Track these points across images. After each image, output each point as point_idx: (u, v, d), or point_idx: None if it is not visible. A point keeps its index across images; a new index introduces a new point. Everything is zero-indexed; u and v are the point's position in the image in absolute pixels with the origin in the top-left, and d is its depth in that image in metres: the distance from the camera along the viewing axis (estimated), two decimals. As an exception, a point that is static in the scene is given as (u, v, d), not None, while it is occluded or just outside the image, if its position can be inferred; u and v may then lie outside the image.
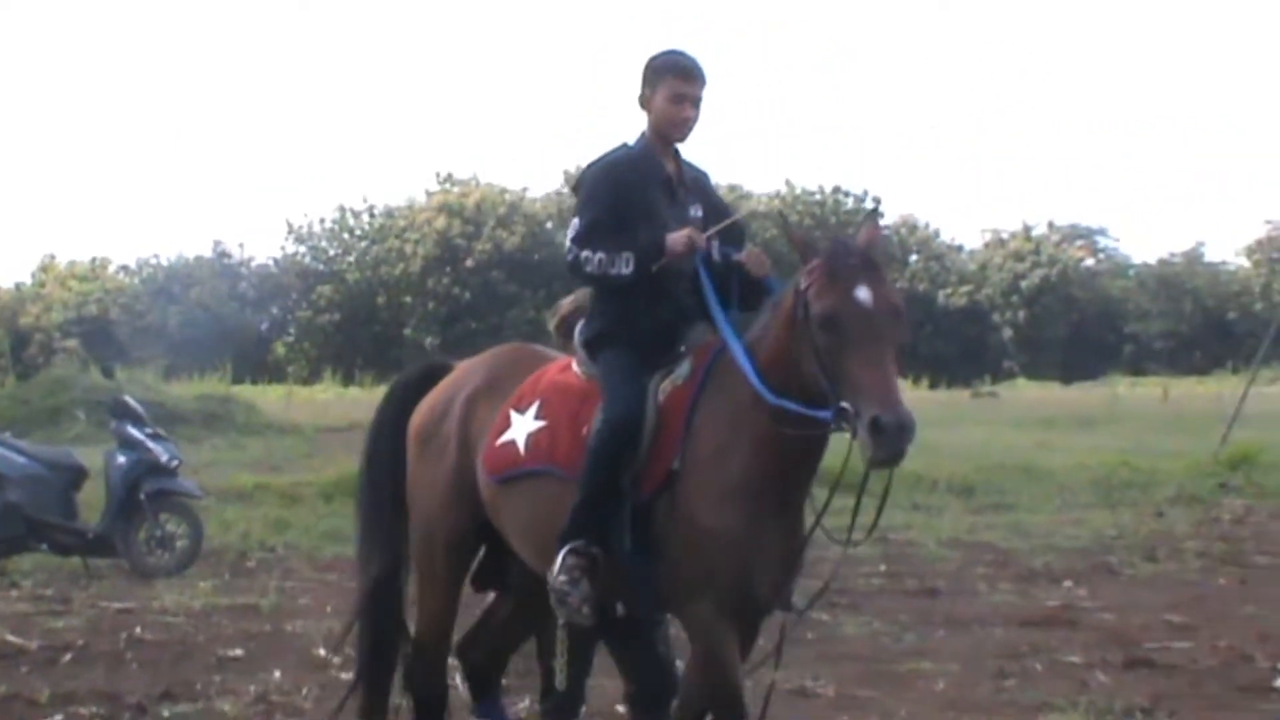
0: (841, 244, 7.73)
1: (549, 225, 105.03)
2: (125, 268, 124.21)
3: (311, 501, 24.62)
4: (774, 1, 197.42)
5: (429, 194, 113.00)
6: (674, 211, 8.33)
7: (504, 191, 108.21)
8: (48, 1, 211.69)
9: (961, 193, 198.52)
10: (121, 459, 18.69)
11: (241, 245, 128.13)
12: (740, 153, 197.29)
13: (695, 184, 8.59)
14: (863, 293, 7.46)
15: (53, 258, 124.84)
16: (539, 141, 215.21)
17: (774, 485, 8.04)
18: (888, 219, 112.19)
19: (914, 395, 66.90)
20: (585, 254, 8.30)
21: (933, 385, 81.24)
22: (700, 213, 8.40)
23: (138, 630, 14.76)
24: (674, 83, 8.36)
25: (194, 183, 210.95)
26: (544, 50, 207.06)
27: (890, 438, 7.14)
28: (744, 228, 8.93)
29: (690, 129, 8.43)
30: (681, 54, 8.53)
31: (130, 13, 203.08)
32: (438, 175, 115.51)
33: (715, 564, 7.93)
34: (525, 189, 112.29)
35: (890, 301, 7.49)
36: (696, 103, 8.36)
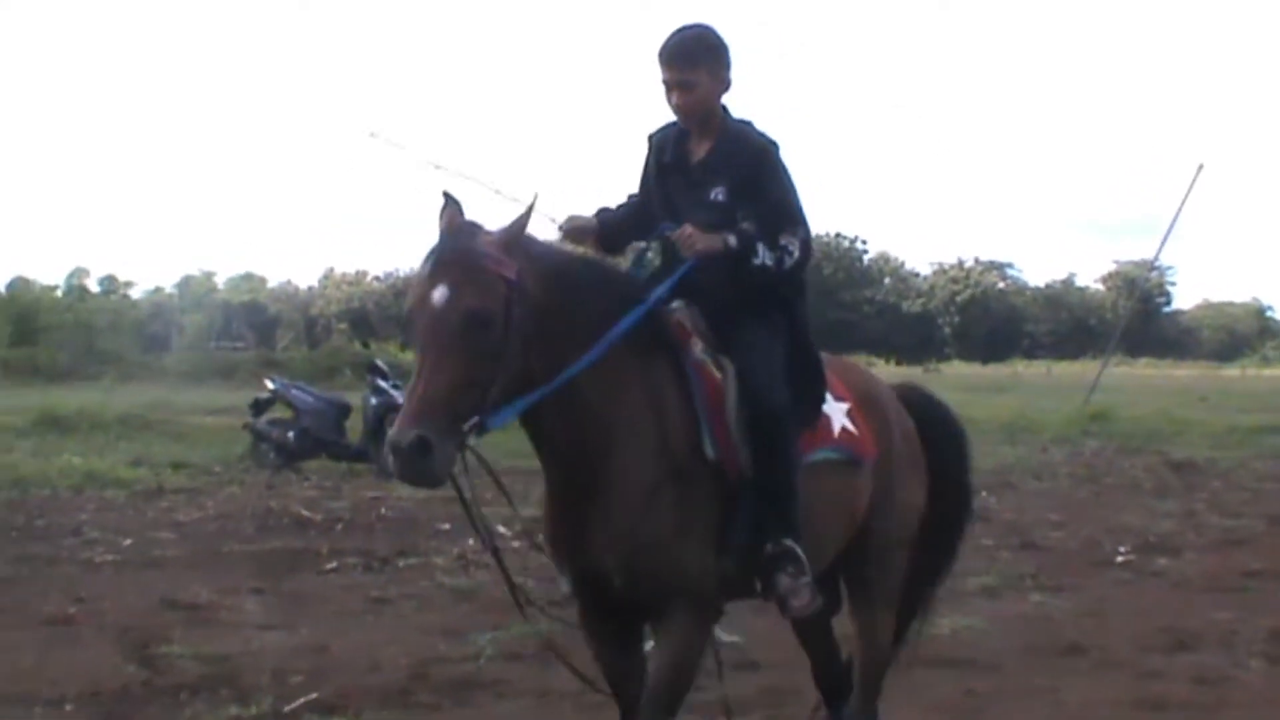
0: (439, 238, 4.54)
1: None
2: (378, 277, 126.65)
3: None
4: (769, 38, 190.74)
5: None
6: (691, 195, 5.22)
7: None
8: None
9: (918, 232, 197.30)
10: (374, 400, 19.09)
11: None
12: None
13: (728, 163, 5.17)
14: (418, 295, 4.41)
15: (331, 269, 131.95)
16: None
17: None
18: (870, 253, 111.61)
19: (885, 370, 67.01)
20: None
21: (898, 364, 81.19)
22: (724, 196, 5.12)
23: (383, 510, 15.07)
24: (661, 72, 5.23)
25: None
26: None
27: (391, 456, 4.24)
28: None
29: (686, 114, 5.21)
30: (669, 37, 5.26)
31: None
32: None
33: None
34: None
35: (438, 305, 4.33)
36: (680, 86, 5.14)
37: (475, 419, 4.32)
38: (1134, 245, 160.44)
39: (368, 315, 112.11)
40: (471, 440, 4.43)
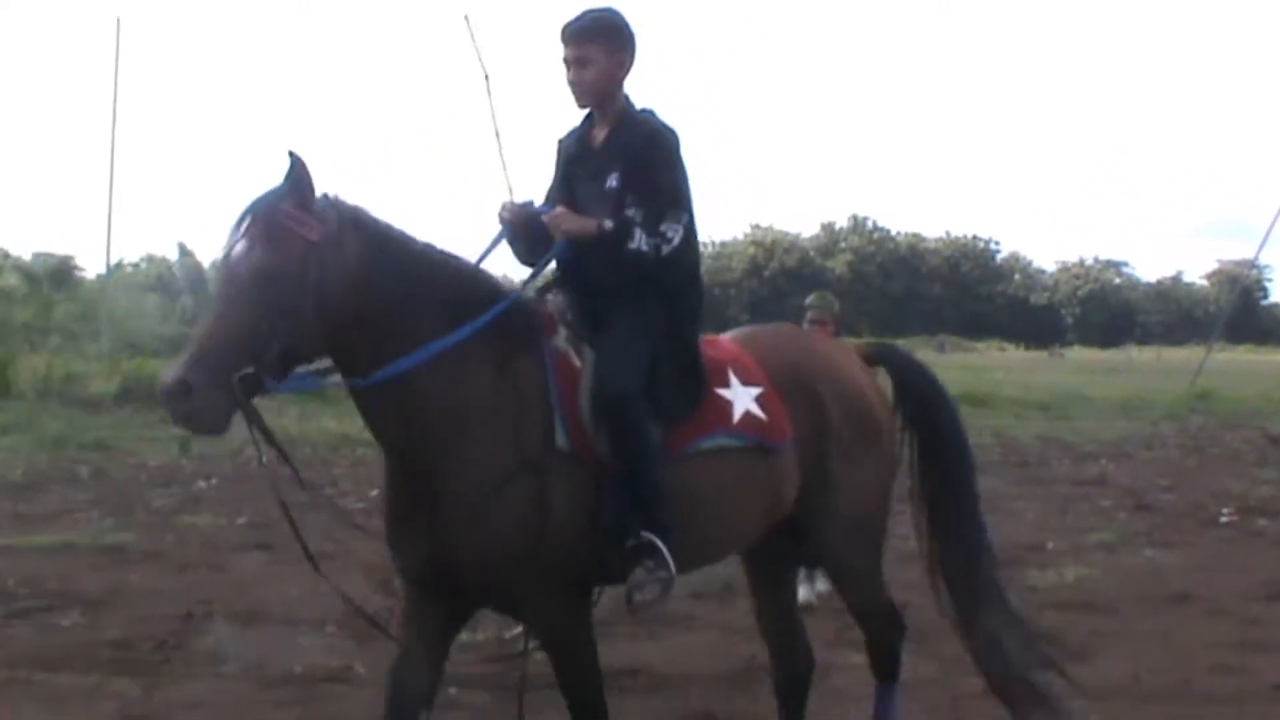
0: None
1: (810, 253, 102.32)
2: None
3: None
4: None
5: (745, 235, 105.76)
6: (591, 185, 4.54)
7: (785, 234, 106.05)
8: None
9: (1044, 234, 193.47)
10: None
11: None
12: (912, 201, 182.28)
13: (623, 149, 4.48)
14: (222, 249, 3.94)
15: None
16: (813, 197, 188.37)
17: None
18: (1003, 252, 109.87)
19: (1017, 356, 66.13)
20: None
21: (1026, 349, 79.73)
22: (616, 182, 4.43)
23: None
24: (561, 52, 4.55)
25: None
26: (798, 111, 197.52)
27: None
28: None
29: (580, 90, 4.52)
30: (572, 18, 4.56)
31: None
32: (751, 224, 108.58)
33: None
34: (800, 232, 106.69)
35: (232, 258, 3.86)
36: (575, 63, 4.46)
37: (249, 370, 3.73)
38: (1236, 246, 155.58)
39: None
40: (256, 399, 3.86)
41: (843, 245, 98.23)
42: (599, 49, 4.44)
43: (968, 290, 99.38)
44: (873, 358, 5.28)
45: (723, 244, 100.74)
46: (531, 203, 4.57)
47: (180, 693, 6.47)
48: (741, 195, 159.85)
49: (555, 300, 4.55)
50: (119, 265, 46.29)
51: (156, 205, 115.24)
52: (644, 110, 4.57)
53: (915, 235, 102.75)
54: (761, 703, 6.12)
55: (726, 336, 5.01)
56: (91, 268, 46.77)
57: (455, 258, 4.32)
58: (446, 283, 4.18)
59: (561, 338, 4.37)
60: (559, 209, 4.45)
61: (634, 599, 4.22)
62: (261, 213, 3.88)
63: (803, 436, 4.73)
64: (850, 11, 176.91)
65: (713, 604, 8.20)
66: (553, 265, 4.56)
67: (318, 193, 3.96)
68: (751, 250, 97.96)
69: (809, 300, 9.27)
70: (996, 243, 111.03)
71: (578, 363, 4.32)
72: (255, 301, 3.76)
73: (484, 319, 4.15)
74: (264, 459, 4.08)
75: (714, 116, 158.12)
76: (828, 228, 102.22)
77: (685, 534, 4.31)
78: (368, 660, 6.93)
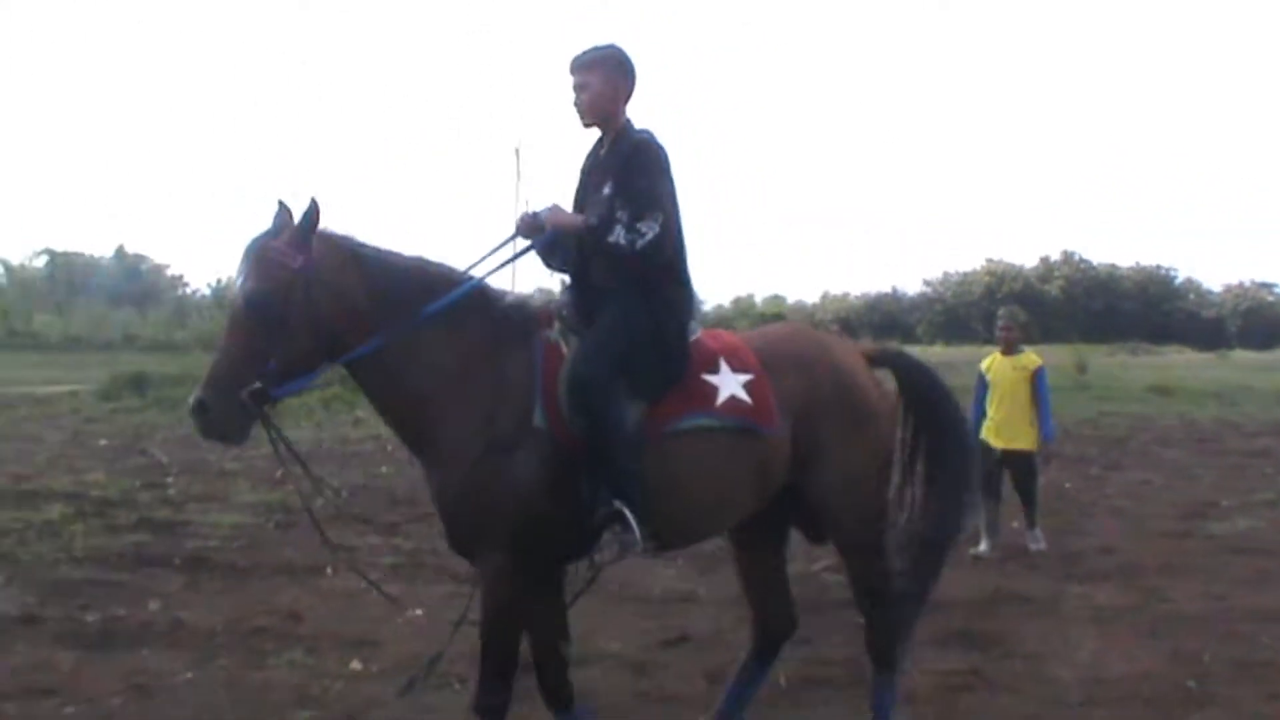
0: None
1: (1032, 280, 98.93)
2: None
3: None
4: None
5: (981, 266, 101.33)
6: (594, 195, 4.44)
7: (1012, 265, 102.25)
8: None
9: (1213, 260, 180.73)
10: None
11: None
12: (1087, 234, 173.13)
13: (615, 160, 4.39)
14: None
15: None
16: (1032, 234, 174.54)
17: None
18: (1179, 277, 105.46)
19: (1193, 358, 61.97)
20: None
21: (1200, 352, 76.21)
22: (609, 189, 4.34)
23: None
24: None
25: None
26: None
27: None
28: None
29: (582, 112, 4.43)
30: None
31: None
32: (986, 258, 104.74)
33: None
34: (1023, 263, 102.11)
35: (234, 291, 3.99)
36: (576, 88, 4.41)
37: (256, 385, 3.84)
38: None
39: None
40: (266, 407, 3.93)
41: (1056, 274, 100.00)
42: (596, 76, 4.42)
43: (1153, 307, 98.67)
44: (875, 359, 4.89)
45: (964, 273, 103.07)
46: (536, 214, 4.45)
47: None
48: (977, 234, 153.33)
49: (556, 298, 4.52)
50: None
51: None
52: (642, 130, 4.47)
53: (1112, 265, 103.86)
54: (1007, 623, 6.49)
55: (734, 332, 4.81)
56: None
57: (431, 263, 4.31)
58: (420, 283, 4.18)
59: (555, 330, 4.32)
60: (552, 205, 4.41)
61: (594, 558, 4.19)
62: (253, 251, 3.98)
63: (795, 414, 4.46)
64: (1059, 75, 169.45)
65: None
66: (534, 258, 4.48)
67: (314, 230, 4.02)
68: (986, 279, 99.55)
69: (1000, 313, 9.36)
70: (1175, 270, 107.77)
71: (565, 351, 4.26)
72: (252, 324, 3.88)
73: (436, 305, 4.13)
74: (283, 461, 4.15)
75: (957, 166, 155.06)
76: (1044, 260, 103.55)
77: (669, 507, 4.21)
78: (709, 585, 7.29)
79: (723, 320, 49.02)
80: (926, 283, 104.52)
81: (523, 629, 4.32)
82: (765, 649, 4.99)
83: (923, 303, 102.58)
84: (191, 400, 3.82)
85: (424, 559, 7.98)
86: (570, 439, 4.08)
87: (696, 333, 4.47)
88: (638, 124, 4.47)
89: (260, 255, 3.95)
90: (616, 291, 4.29)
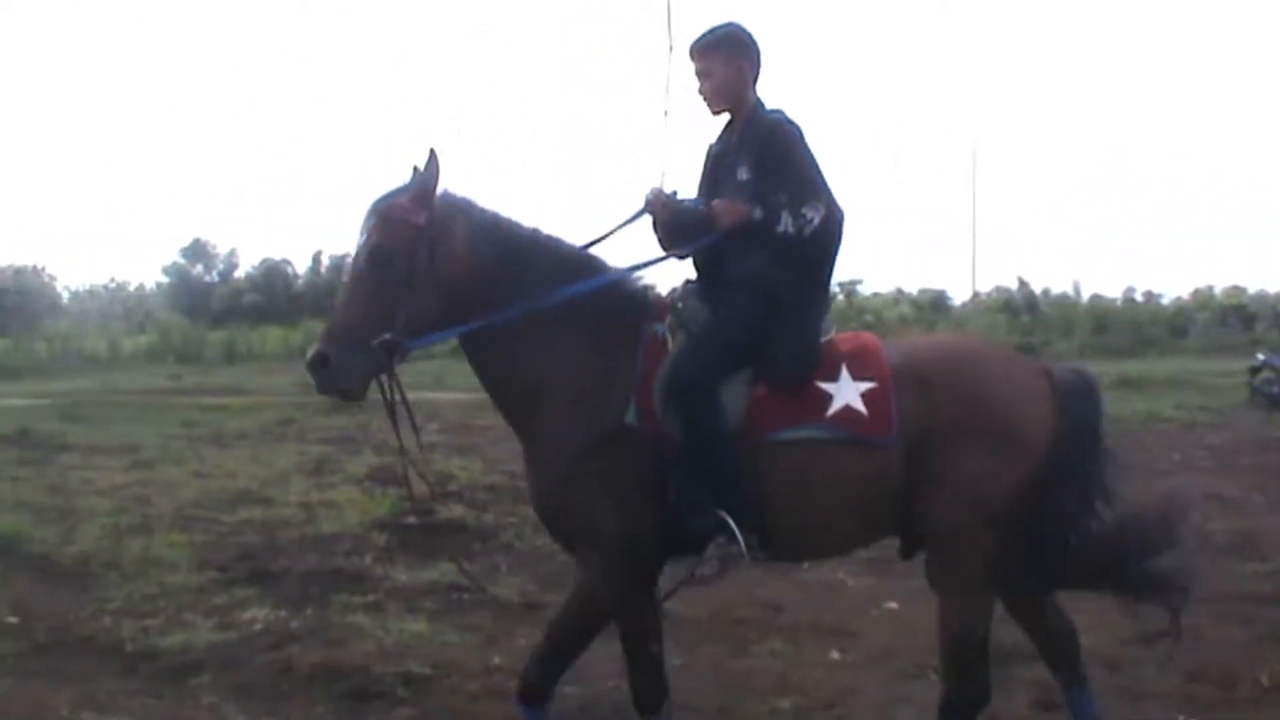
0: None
1: None
2: None
3: None
4: None
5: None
6: (727, 180, 4.25)
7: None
8: None
9: None
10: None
11: None
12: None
13: (749, 144, 4.21)
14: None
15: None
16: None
17: None
18: None
19: None
20: None
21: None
22: (746, 174, 4.16)
23: None
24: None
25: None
26: None
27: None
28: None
29: (708, 99, 4.30)
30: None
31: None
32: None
33: None
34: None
35: (357, 246, 3.95)
36: (700, 74, 4.27)
37: (386, 336, 3.80)
38: None
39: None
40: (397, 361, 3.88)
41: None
42: (719, 60, 4.25)
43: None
44: (1058, 382, 4.20)
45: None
46: (676, 193, 4.28)
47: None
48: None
49: (678, 289, 4.29)
50: (976, 295, 49.76)
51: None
52: (774, 110, 4.27)
53: None
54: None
55: (878, 338, 4.36)
56: (959, 297, 50.19)
57: (561, 241, 4.21)
58: (550, 259, 4.11)
59: (666, 322, 4.12)
60: (717, 201, 4.18)
61: (695, 572, 3.99)
62: (377, 208, 3.97)
63: (915, 428, 4.02)
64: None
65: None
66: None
67: (436, 188, 3.98)
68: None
69: None
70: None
71: (670, 347, 4.07)
72: (375, 280, 3.85)
73: (576, 289, 4.04)
74: (396, 423, 4.01)
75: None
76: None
77: (775, 519, 4.01)
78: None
79: (1181, 310, 45.64)
80: None
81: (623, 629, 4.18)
82: (1066, 673, 4.41)
83: None
84: (310, 354, 3.80)
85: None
86: (663, 438, 3.94)
87: (829, 334, 4.19)
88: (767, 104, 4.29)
89: (384, 212, 3.94)
90: (733, 288, 4.13)
